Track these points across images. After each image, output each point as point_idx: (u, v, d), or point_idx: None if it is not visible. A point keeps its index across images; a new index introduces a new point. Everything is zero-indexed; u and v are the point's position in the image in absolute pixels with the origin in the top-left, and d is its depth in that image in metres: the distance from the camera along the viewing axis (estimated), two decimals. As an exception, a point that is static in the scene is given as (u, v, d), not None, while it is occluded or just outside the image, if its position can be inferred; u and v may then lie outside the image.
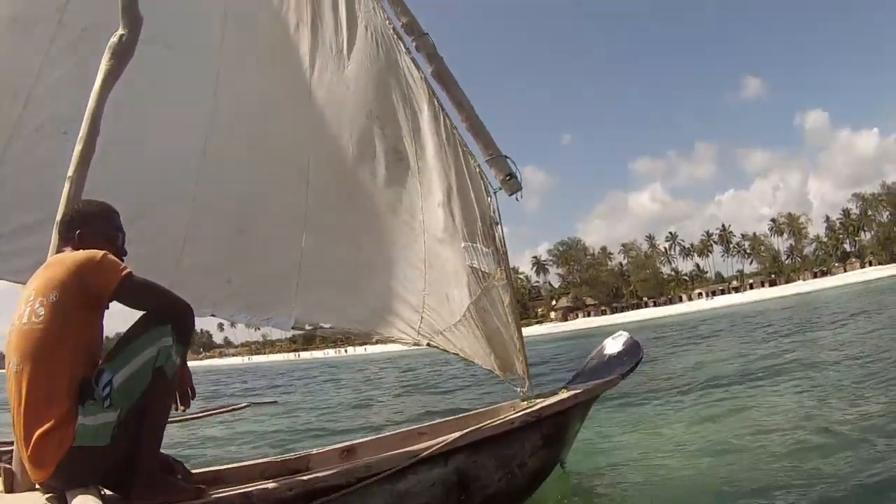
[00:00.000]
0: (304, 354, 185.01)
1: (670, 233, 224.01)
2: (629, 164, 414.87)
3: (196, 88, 7.04)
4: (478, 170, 7.17)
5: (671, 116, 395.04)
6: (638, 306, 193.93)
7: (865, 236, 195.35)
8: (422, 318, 7.16)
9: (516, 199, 7.14)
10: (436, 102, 7.13)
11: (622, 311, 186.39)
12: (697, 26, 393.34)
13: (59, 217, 4.46)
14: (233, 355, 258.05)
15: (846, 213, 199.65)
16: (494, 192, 7.17)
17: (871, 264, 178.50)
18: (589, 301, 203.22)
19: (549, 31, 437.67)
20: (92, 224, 4.05)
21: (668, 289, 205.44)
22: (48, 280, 3.57)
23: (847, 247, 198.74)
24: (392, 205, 7.31)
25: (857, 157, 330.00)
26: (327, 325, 7.07)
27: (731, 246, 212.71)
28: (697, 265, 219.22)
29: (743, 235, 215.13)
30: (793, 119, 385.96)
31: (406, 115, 7.25)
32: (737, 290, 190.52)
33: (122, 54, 5.25)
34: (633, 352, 7.33)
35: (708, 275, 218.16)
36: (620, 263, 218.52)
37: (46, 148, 6.50)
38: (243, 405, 10.04)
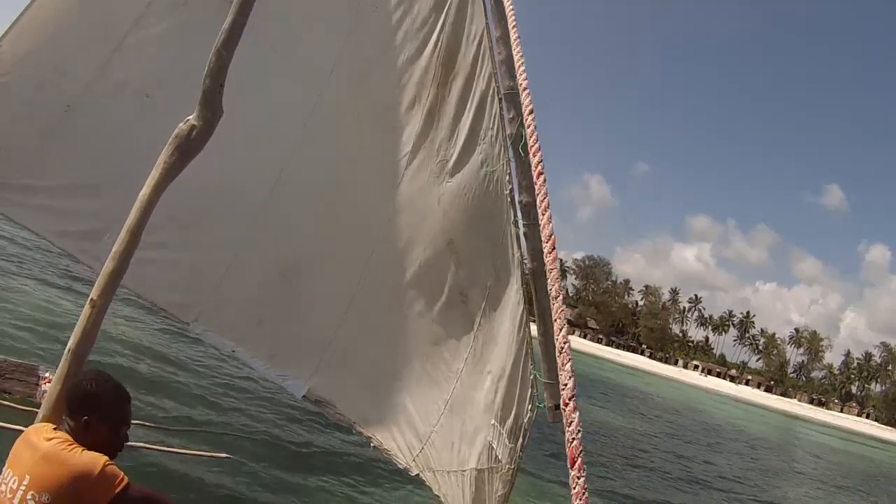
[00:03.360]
0: None
1: (695, 295, 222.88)
2: (688, 216, 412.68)
3: (291, 105, 6.65)
4: (532, 378, 6.43)
5: (746, 188, 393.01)
6: (635, 350, 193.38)
7: (875, 388, 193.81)
8: (422, 448, 6.82)
9: (552, 420, 6.41)
10: (522, 292, 6.34)
11: (618, 348, 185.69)
12: (808, 115, 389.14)
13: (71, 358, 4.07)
14: None
15: (867, 356, 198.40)
16: (536, 408, 6.47)
17: (868, 416, 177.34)
18: (591, 324, 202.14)
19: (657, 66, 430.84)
20: (101, 412, 3.73)
21: (669, 347, 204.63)
22: (46, 477, 3.45)
23: (854, 389, 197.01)
24: (437, 338, 6.84)
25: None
26: (337, 408, 6.93)
27: (747, 335, 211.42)
28: (707, 338, 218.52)
29: (762, 330, 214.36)
30: (857, 244, 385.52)
31: (488, 274, 6.59)
32: (733, 379, 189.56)
33: (188, 152, 4.48)
34: None
35: (713, 351, 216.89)
36: (636, 302, 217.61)
37: (125, 106, 6.31)
38: (223, 455, 10.21)
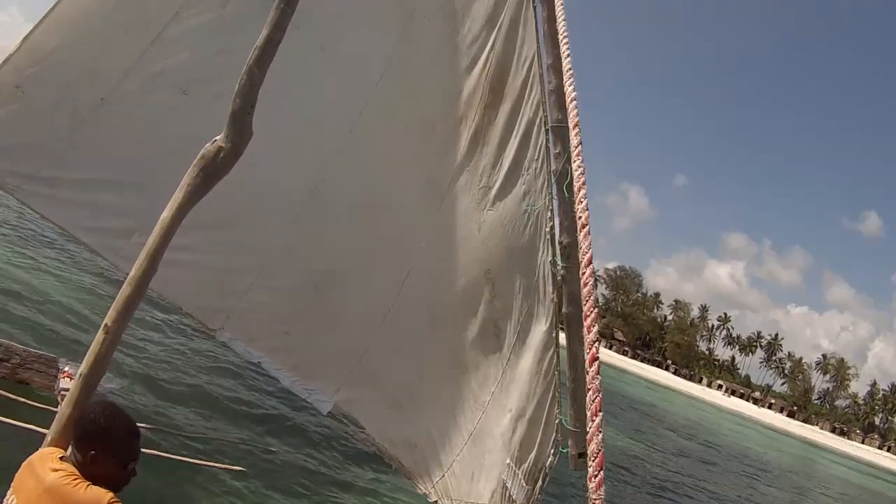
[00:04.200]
0: None
1: (724, 314, 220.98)
2: (724, 233, 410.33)
3: (336, 111, 6.56)
4: (556, 422, 6.23)
5: (784, 209, 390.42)
6: (659, 365, 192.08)
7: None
8: (443, 475, 6.76)
9: (573, 468, 6.24)
10: (553, 333, 6.19)
11: (643, 362, 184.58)
12: (853, 139, 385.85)
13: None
14: None
15: (893, 388, 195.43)
16: (558, 453, 6.29)
17: (889, 449, 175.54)
18: (618, 335, 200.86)
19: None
20: (109, 447, 3.58)
21: (694, 364, 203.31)
22: None
23: (877, 420, 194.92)
24: (467, 366, 6.71)
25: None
26: (362, 426, 6.94)
27: (774, 358, 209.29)
28: (733, 358, 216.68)
29: (790, 354, 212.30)
30: (891, 274, 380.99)
31: (521, 310, 6.37)
32: (756, 401, 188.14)
33: (214, 174, 4.21)
34: None
35: (739, 372, 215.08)
36: (665, 316, 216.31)
37: (161, 101, 6.25)
38: (238, 468, 10.19)
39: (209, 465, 9.65)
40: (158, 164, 6.02)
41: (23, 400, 8.37)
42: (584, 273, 3.75)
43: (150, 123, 6.24)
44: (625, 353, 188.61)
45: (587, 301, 3.60)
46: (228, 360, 15.93)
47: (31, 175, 6.18)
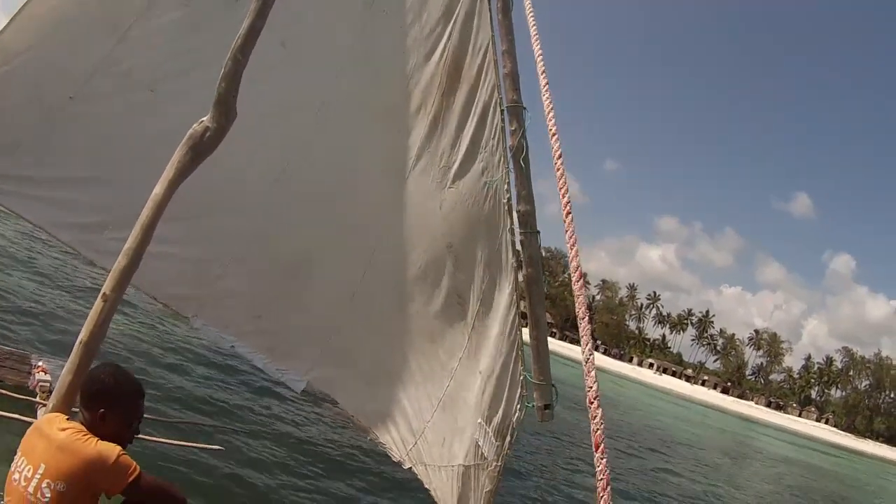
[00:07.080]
0: None
1: (653, 292, 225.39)
2: (655, 217, 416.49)
3: (300, 100, 6.94)
4: (521, 379, 6.85)
5: (714, 191, 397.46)
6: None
7: (835, 393, 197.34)
8: (416, 443, 7.16)
9: (541, 419, 6.68)
10: (515, 297, 6.71)
11: (571, 343, 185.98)
12: (780, 121, 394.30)
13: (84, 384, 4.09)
14: None
15: (829, 361, 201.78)
16: (525, 408, 6.82)
17: (827, 421, 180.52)
18: (546, 317, 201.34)
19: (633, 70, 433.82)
20: (116, 405, 3.96)
21: (624, 343, 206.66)
22: (61, 466, 3.64)
23: (813, 394, 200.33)
24: (433, 335, 7.16)
25: (862, 317, 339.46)
26: (337, 402, 7.37)
27: (705, 335, 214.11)
28: (664, 336, 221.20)
29: (721, 330, 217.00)
30: (822, 254, 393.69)
31: (482, 278, 6.89)
32: (689, 378, 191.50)
33: (201, 152, 4.77)
34: None
35: (671, 350, 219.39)
36: (593, 297, 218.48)
37: (128, 99, 6.50)
38: (216, 447, 10.26)
39: (187, 446, 9.88)
40: (127, 161, 6.49)
41: (1, 391, 8.59)
42: (577, 286, 4.50)
43: (118, 121, 6.53)
44: (553, 335, 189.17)
45: (582, 319, 4.43)
46: (195, 343, 16.03)
47: (2, 174, 6.45)
